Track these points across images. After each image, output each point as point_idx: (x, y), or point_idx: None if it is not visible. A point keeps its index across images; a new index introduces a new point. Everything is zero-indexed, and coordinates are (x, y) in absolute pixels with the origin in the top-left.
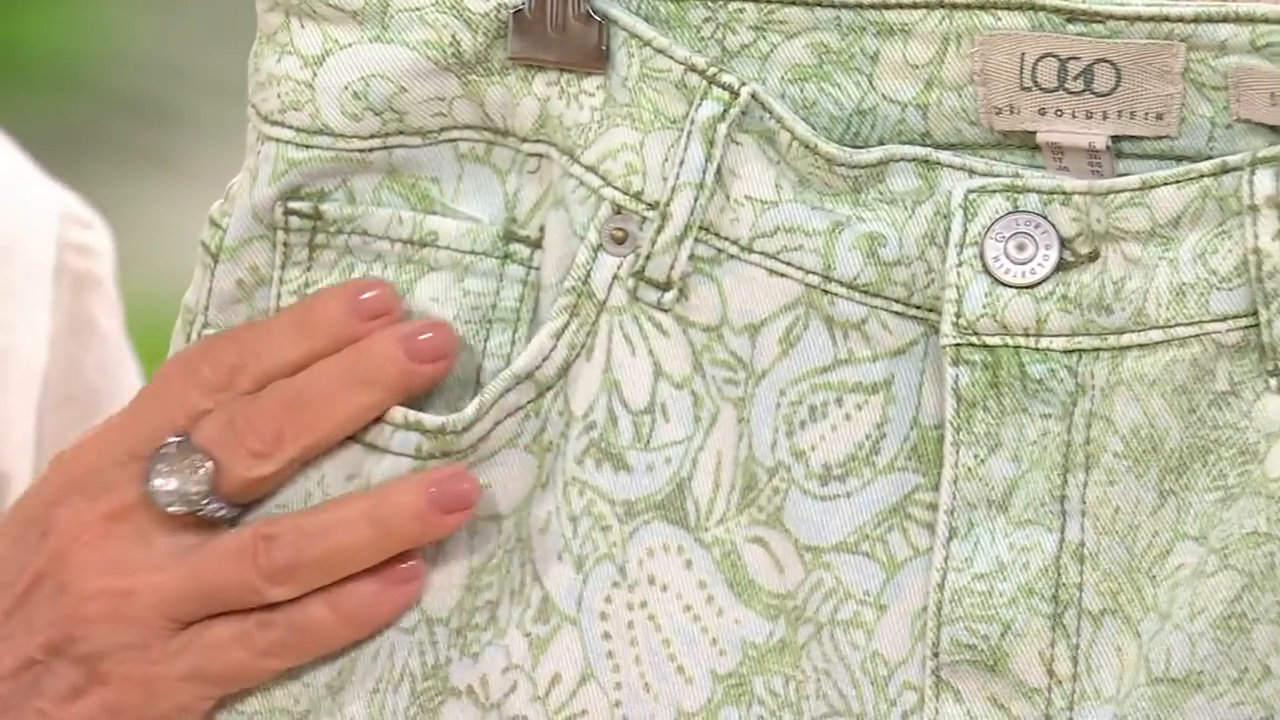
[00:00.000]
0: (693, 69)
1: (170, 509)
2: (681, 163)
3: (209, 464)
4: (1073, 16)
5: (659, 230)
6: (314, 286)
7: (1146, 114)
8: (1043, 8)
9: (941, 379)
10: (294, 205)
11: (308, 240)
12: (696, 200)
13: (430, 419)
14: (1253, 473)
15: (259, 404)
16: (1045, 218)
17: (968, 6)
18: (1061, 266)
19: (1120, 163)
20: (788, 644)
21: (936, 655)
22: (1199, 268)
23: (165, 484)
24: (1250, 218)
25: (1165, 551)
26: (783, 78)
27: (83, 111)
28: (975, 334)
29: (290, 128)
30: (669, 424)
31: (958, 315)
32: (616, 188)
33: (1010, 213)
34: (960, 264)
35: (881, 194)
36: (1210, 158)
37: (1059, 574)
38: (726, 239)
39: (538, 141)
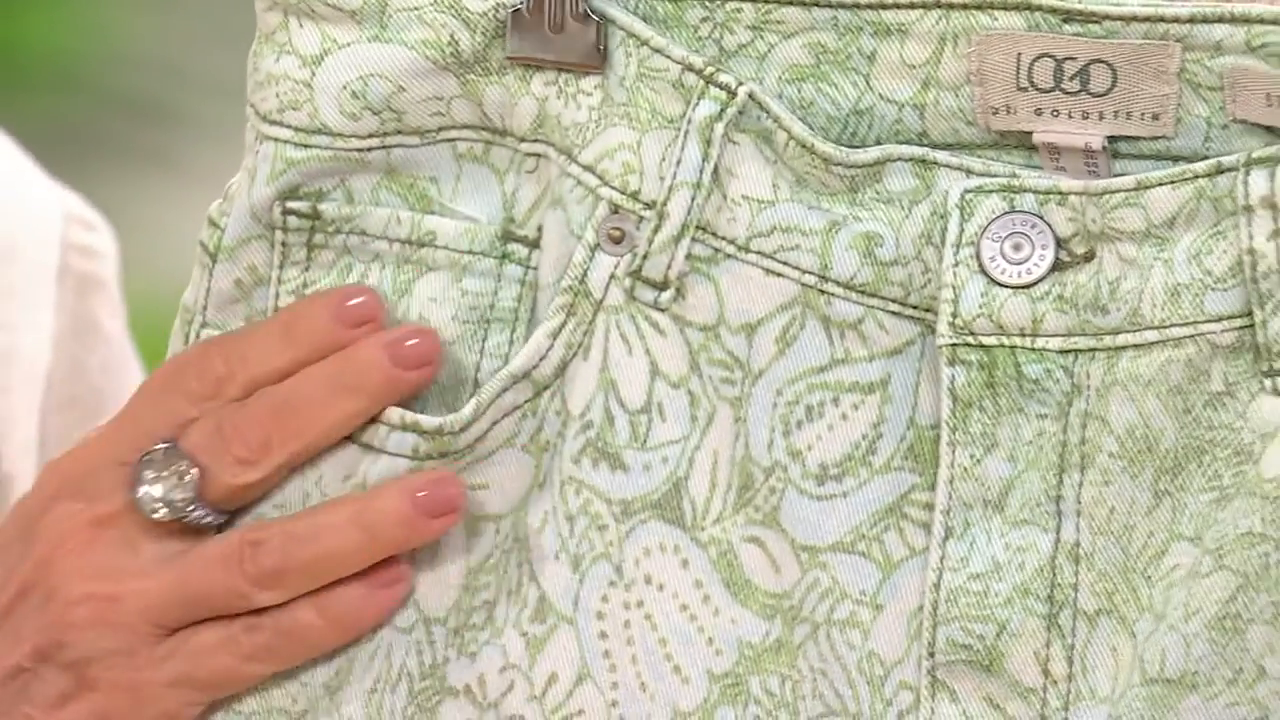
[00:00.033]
0: (690, 68)
1: (156, 515)
2: (679, 162)
3: (195, 470)
4: (1069, 17)
5: (656, 230)
6: (312, 286)
7: (1142, 114)
8: (1039, 8)
9: (938, 379)
10: (292, 205)
11: (306, 240)
12: (693, 200)
13: (427, 420)
14: (1247, 473)
15: (246, 411)
16: (1041, 218)
17: (964, 7)
18: (1057, 267)
19: (1116, 163)
20: (784, 644)
21: (932, 655)
22: (1194, 268)
23: (151, 490)
24: (1245, 218)
25: (1160, 552)
26: (780, 77)
27: (83, 111)
28: (971, 334)
29: (289, 127)
30: (665, 423)
31: (954, 315)
32: (614, 187)
33: (1006, 213)
34: (956, 264)
35: (878, 194)
36: (1206, 158)
37: (1054, 574)
38: (723, 238)
39: (535, 141)
